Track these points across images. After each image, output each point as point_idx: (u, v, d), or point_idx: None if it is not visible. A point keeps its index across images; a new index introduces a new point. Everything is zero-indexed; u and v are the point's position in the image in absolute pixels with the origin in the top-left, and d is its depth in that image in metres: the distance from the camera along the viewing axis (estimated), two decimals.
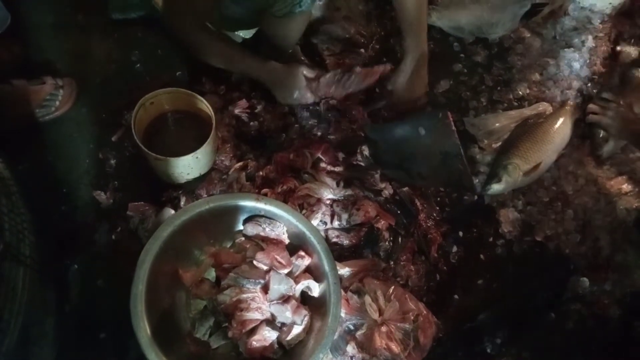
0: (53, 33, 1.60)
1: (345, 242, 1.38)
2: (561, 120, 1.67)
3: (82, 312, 1.26)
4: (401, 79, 1.47)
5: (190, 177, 1.39)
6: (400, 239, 1.44)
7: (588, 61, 1.88)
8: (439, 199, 1.59)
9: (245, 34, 1.67)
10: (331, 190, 1.42)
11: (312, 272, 1.25)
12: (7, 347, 0.97)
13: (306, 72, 1.40)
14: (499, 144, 1.68)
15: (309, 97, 1.43)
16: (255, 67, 1.41)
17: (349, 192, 1.44)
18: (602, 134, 1.69)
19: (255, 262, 1.21)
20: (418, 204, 1.51)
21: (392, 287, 1.31)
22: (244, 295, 1.17)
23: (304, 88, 1.41)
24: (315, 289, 1.22)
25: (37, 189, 1.31)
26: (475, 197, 1.61)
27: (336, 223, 1.40)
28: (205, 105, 1.34)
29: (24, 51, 1.50)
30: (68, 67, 1.56)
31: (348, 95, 1.47)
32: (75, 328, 1.23)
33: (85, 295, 1.28)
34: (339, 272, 1.26)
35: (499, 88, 1.83)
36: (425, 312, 1.31)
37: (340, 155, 1.51)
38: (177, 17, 1.33)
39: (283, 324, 1.19)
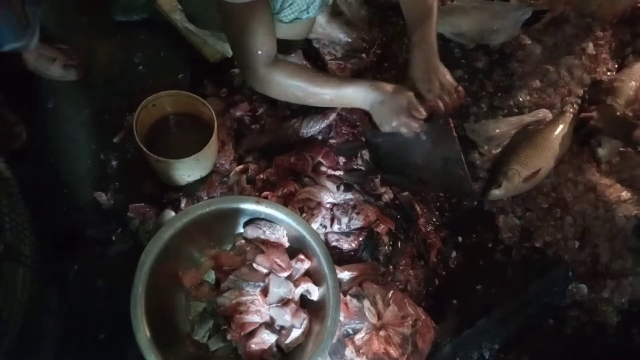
0: (56, 34, 1.61)
1: (345, 246, 1.39)
2: (561, 127, 1.68)
3: (82, 313, 1.26)
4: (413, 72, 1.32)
5: (191, 179, 1.39)
6: (399, 243, 1.44)
7: (589, 68, 1.89)
8: (438, 204, 1.60)
9: None
10: (331, 194, 1.42)
11: (312, 275, 1.25)
12: (7, 347, 0.98)
13: (412, 104, 1.22)
14: (499, 150, 1.68)
15: (408, 131, 1.26)
16: (351, 93, 1.24)
17: (349, 196, 1.44)
18: (594, 137, 1.70)
19: (255, 265, 1.21)
20: (418, 208, 1.51)
21: (391, 292, 1.31)
22: (244, 298, 1.17)
23: (403, 123, 1.23)
24: (315, 293, 1.22)
25: (38, 189, 1.32)
26: (475, 202, 1.61)
27: (336, 227, 1.40)
28: (207, 108, 1.34)
29: None
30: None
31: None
32: (74, 329, 1.23)
33: (85, 296, 1.29)
34: (339, 276, 1.27)
35: (499, 94, 1.83)
36: (424, 316, 1.32)
37: (341, 159, 1.51)
38: (245, 67, 1.19)
39: (282, 327, 1.19)
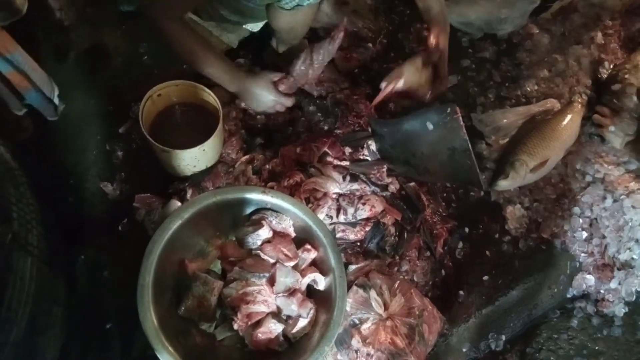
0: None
1: (351, 236, 1.38)
2: (569, 117, 1.66)
3: (89, 303, 1.27)
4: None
5: (197, 169, 1.39)
6: (406, 234, 1.44)
7: (597, 58, 1.87)
8: (445, 194, 1.59)
9: (252, 27, 1.67)
10: (337, 184, 1.41)
11: (318, 265, 1.25)
12: (15, 336, 0.98)
13: (273, 76, 1.42)
14: (507, 140, 1.67)
15: (285, 101, 1.46)
16: (222, 74, 1.38)
17: (355, 186, 1.44)
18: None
19: (261, 255, 1.21)
20: (424, 199, 1.50)
21: (398, 282, 1.31)
22: (250, 289, 1.17)
23: (276, 93, 1.42)
24: (321, 283, 1.23)
25: (44, 179, 1.32)
26: (482, 193, 1.60)
27: (342, 217, 1.40)
28: (212, 98, 1.34)
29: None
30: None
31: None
32: (81, 318, 1.23)
33: (91, 286, 1.29)
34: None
35: (507, 84, 1.82)
36: (430, 307, 1.32)
37: (347, 150, 1.50)
38: (160, 6, 1.29)
39: (289, 317, 1.19)
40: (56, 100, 1.07)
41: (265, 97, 1.43)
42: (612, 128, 1.65)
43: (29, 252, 1.05)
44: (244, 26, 1.66)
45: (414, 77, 1.49)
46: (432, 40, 1.49)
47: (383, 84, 1.49)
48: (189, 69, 1.62)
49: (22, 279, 1.02)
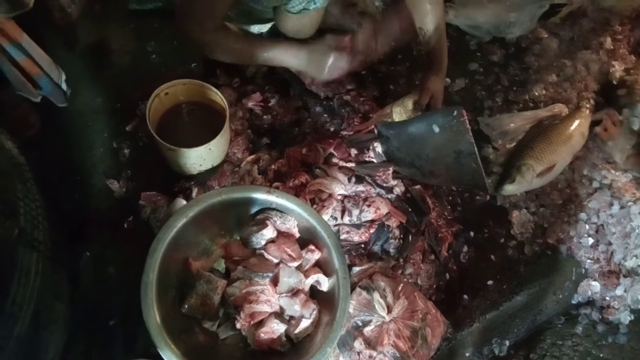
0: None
1: (356, 238, 1.38)
2: (577, 122, 1.65)
3: (93, 299, 1.27)
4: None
5: (203, 168, 1.39)
6: (410, 237, 1.43)
7: (606, 63, 1.86)
8: (450, 198, 1.58)
9: (260, 28, 1.67)
10: (342, 185, 1.41)
11: (322, 266, 1.25)
12: (19, 331, 0.98)
13: (333, 40, 1.37)
14: (513, 144, 1.66)
15: (345, 62, 1.39)
16: (279, 54, 1.37)
17: (360, 188, 1.43)
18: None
19: (265, 255, 1.21)
20: (429, 202, 1.50)
21: (401, 285, 1.30)
22: (253, 288, 1.17)
23: (337, 55, 1.36)
24: (325, 284, 1.22)
25: (51, 176, 1.32)
26: (488, 197, 1.60)
27: (347, 219, 1.39)
28: (219, 98, 1.34)
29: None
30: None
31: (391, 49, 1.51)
32: (85, 314, 1.24)
33: (96, 283, 1.30)
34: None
35: (514, 88, 1.81)
36: (434, 310, 1.31)
37: (353, 151, 1.50)
38: (195, 23, 1.28)
39: (291, 317, 1.19)
40: (64, 86, 1.08)
41: (326, 61, 1.38)
42: (610, 143, 1.65)
43: (34, 247, 1.06)
44: (250, 28, 1.66)
45: (402, 119, 1.48)
46: (425, 84, 1.46)
47: (373, 117, 1.54)
48: (196, 67, 1.64)
49: (28, 274, 1.02)
